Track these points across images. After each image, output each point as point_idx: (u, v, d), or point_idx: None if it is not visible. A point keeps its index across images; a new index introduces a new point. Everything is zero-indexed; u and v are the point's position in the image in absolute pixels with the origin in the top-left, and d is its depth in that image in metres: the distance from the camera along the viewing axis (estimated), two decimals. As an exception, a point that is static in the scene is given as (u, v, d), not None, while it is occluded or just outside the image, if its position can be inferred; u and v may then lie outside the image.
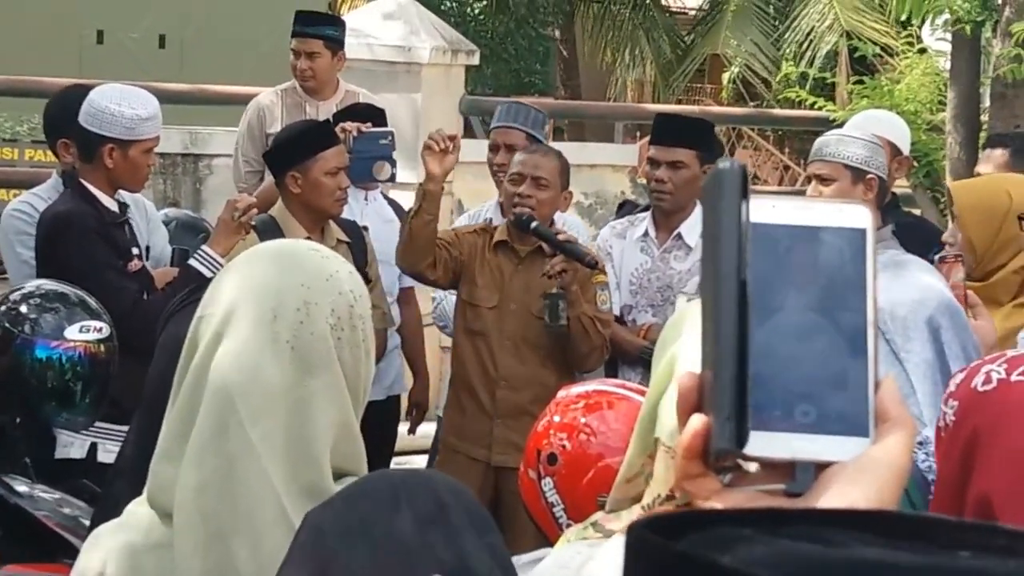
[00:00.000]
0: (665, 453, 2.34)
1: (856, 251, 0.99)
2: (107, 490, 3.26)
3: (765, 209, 0.99)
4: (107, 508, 2.62)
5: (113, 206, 5.15)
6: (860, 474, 0.97)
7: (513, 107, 5.99)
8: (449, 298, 5.54)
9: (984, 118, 9.92)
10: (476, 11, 20.63)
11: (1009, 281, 4.36)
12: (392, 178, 5.90)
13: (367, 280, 5.31)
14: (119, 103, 5.12)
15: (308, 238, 4.92)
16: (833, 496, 0.96)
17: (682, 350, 2.39)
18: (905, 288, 3.73)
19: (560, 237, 5.14)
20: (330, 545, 1.76)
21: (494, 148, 5.80)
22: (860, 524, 0.84)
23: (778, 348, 0.98)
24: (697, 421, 0.98)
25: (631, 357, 5.31)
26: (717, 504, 0.99)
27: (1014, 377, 2.57)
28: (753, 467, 0.99)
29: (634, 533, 0.86)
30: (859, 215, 1.00)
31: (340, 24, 6.79)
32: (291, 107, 6.52)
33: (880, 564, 0.80)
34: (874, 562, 0.80)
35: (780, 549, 0.81)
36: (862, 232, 0.99)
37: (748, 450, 0.97)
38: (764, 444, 0.97)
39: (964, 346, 3.74)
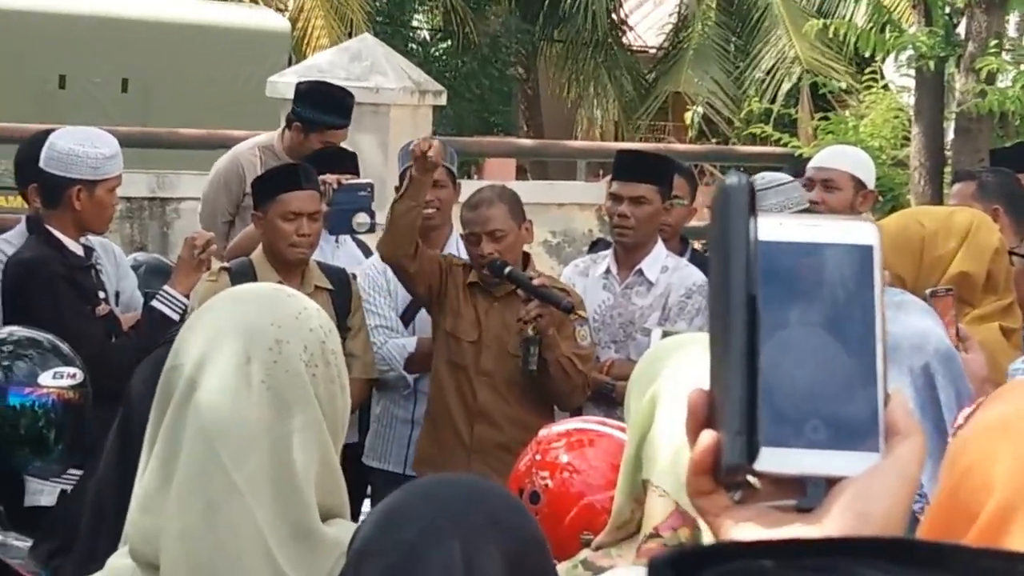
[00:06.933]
0: (653, 491, 2.33)
1: (864, 267, 0.99)
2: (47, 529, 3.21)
3: (772, 227, 0.99)
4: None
5: (79, 250, 5.12)
6: (871, 487, 0.96)
7: None
8: (390, 343, 5.46)
9: (948, 152, 9.98)
10: (439, 51, 20.67)
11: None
12: (372, 229, 5.88)
13: (347, 329, 5.26)
14: (82, 144, 5.10)
15: (280, 283, 4.87)
16: (845, 510, 0.95)
17: (664, 387, 2.37)
18: (903, 331, 3.70)
19: (535, 281, 5.10)
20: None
21: None
22: (877, 552, 0.83)
23: (787, 364, 0.97)
24: (707, 437, 0.97)
25: (594, 393, 5.28)
26: (728, 521, 0.98)
27: None
28: (762, 483, 0.98)
29: (654, 569, 0.86)
30: (866, 232, 1.00)
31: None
32: (270, 165, 6.49)
33: None
34: None
35: None
36: (869, 249, 1.00)
37: (758, 466, 0.96)
38: (774, 460, 0.97)
39: (959, 394, 3.72)
